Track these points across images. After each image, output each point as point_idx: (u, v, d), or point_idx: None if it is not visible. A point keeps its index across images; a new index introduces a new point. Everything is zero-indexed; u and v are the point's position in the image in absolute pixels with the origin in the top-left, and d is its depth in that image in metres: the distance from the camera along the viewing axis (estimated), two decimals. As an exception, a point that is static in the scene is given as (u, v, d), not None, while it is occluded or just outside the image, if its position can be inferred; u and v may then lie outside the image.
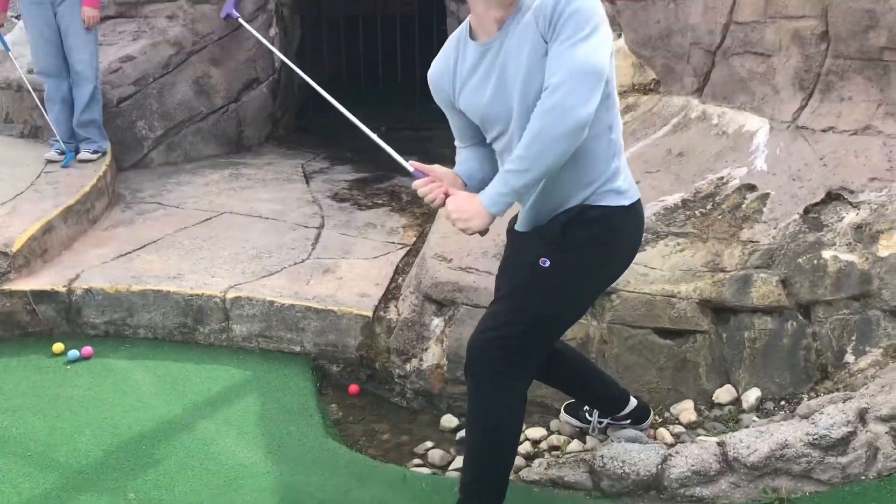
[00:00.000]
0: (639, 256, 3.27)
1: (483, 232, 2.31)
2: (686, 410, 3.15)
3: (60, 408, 3.30)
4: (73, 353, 3.69)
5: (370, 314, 3.64)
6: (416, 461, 3.15)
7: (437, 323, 3.50)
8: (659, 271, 3.25)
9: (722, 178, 3.58)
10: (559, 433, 3.21)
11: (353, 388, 3.63)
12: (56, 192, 4.56)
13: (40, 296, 3.86)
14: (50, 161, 5.10)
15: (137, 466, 2.94)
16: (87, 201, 4.58)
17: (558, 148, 2.10)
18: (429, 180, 2.33)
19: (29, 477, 2.87)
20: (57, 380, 3.52)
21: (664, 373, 3.21)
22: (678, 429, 3.09)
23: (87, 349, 3.73)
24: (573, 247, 2.32)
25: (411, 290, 3.66)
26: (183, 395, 3.42)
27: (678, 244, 3.36)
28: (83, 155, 5.10)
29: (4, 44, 5.28)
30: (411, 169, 2.41)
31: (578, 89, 2.06)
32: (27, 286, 3.88)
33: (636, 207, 2.41)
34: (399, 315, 3.63)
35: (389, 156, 2.60)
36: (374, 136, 2.68)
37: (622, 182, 2.35)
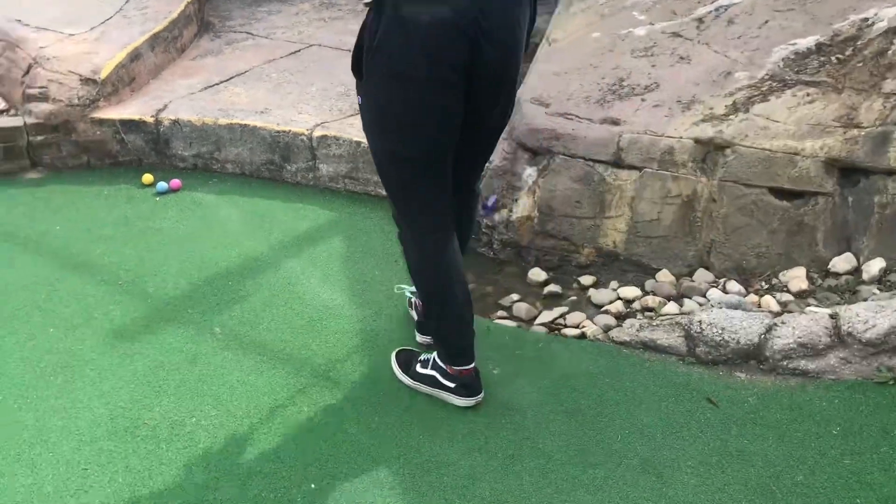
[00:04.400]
0: (760, 107, 2.96)
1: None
2: (797, 278, 2.90)
3: (149, 239, 3.31)
4: (162, 185, 3.67)
5: (460, 159, 3.45)
6: (501, 313, 3.05)
7: (529, 172, 3.29)
8: (782, 125, 2.91)
9: (866, 18, 3.12)
10: (654, 294, 3.03)
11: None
12: (144, 18, 4.42)
13: (129, 125, 3.82)
14: (139, -14, 4.93)
15: (223, 301, 2.94)
16: (174, 28, 4.44)
17: None
18: None
19: (120, 304, 2.91)
20: (147, 211, 3.52)
21: (776, 236, 2.95)
22: (786, 297, 2.86)
23: (176, 182, 3.71)
24: (367, 76, 2.09)
25: (504, 136, 3.43)
26: (269, 233, 3.38)
27: (807, 95, 2.98)
28: None
29: None
30: None
31: None
32: (116, 115, 3.83)
33: (403, 15, 1.96)
34: (490, 163, 3.42)
35: None
36: None
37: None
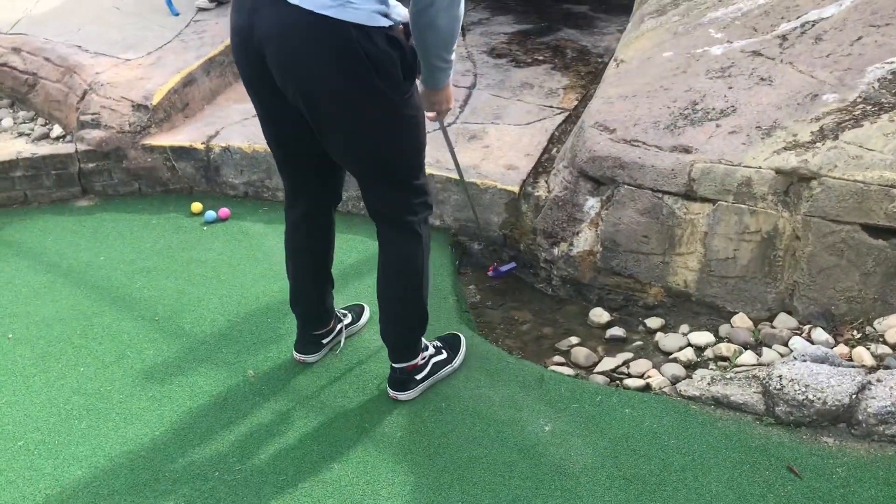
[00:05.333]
0: (851, 134, 2.63)
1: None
2: (895, 328, 2.56)
3: (192, 272, 3.18)
4: (210, 214, 3.56)
5: (517, 190, 3.22)
6: (557, 358, 2.79)
7: (591, 203, 3.03)
8: (878, 154, 2.58)
9: (977, 34, 2.77)
10: (729, 340, 2.73)
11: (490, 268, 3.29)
12: (201, 43, 4.36)
13: (179, 152, 3.73)
14: (201, 9, 4.90)
15: (259, 341, 2.78)
16: (230, 53, 4.35)
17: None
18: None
19: (154, 343, 2.78)
20: (192, 241, 3.41)
21: (870, 279, 2.61)
22: (882, 349, 2.51)
23: (224, 210, 3.59)
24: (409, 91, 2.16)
25: (565, 163, 3.19)
26: (314, 266, 3.21)
27: (907, 120, 2.65)
28: (200, 1, 4.86)
29: None
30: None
31: None
32: (167, 141, 3.75)
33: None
34: (549, 192, 3.18)
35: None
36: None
37: None
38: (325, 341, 2.68)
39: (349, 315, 2.79)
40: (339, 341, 2.72)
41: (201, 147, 3.72)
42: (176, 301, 3.00)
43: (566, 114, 3.77)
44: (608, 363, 2.73)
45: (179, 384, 2.58)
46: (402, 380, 2.49)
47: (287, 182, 2.40)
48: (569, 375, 2.64)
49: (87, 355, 2.72)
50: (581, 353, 2.78)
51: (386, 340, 2.48)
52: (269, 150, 3.62)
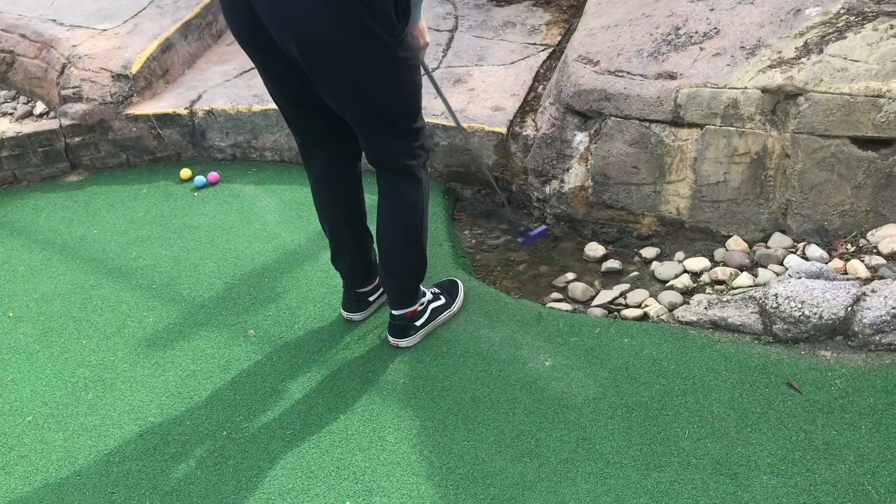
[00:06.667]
0: (836, 46, 2.60)
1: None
2: (888, 238, 2.56)
3: (186, 238, 3.19)
4: (200, 179, 3.55)
5: (504, 131, 3.20)
6: (555, 295, 2.80)
7: (580, 138, 3.01)
8: (863, 64, 2.55)
9: (960, -67, 2.70)
10: (724, 264, 2.74)
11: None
12: (176, 7, 4.29)
13: (163, 119, 3.70)
14: (173, -27, 4.80)
15: (258, 300, 2.79)
16: (207, 14, 4.29)
17: None
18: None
19: (153, 310, 2.80)
20: (184, 208, 3.41)
21: (861, 192, 2.60)
22: (876, 260, 2.52)
23: (214, 174, 3.58)
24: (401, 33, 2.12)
25: (551, 100, 3.15)
26: (307, 223, 3.21)
27: (891, 27, 2.60)
28: None
29: None
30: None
31: None
32: (150, 109, 3.72)
33: None
34: (537, 131, 3.16)
35: None
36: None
37: None
38: (371, 299, 2.65)
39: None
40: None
41: (185, 112, 3.69)
42: (172, 268, 3.01)
43: (550, 50, 3.72)
44: (605, 296, 2.74)
45: (182, 349, 2.60)
46: (401, 326, 2.50)
47: (298, 140, 2.34)
48: (566, 311, 2.65)
49: (89, 328, 2.74)
50: (578, 288, 2.79)
51: (385, 287, 2.49)
52: (252, 109, 3.61)
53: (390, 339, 2.52)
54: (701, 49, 2.88)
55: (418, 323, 2.52)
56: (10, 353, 2.65)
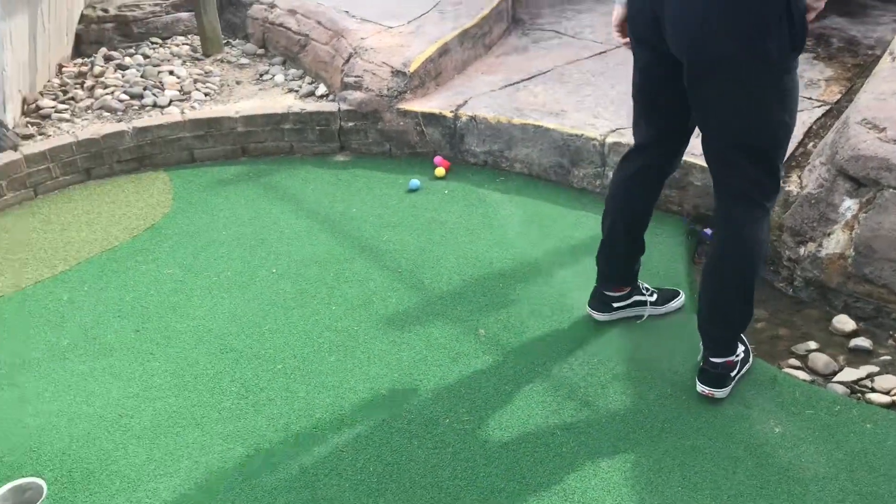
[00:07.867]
0: None
1: None
2: None
3: (433, 231, 3.38)
4: (415, 182, 3.72)
5: (766, 182, 3.09)
6: (793, 361, 2.68)
7: (848, 205, 2.85)
8: None
9: None
10: None
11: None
12: (457, 14, 4.54)
13: (429, 118, 3.94)
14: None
15: (491, 303, 2.91)
16: (484, 24, 4.51)
17: None
18: None
19: (396, 292, 3.00)
20: (434, 203, 3.61)
21: None
22: None
23: (443, 160, 3.86)
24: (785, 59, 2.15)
25: (823, 160, 3.01)
26: (546, 238, 3.29)
27: None
28: None
29: None
30: None
31: None
32: (419, 107, 3.97)
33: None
34: (802, 188, 3.03)
35: None
36: None
37: None
38: (614, 305, 2.72)
39: (656, 294, 2.77)
40: (642, 316, 2.75)
41: (449, 115, 3.91)
42: (417, 256, 3.21)
43: (827, 107, 3.55)
44: (850, 374, 2.58)
45: (417, 333, 2.77)
46: (719, 376, 2.39)
47: (637, 135, 2.47)
48: (804, 380, 2.54)
49: (339, 296, 2.99)
50: (820, 360, 2.65)
51: (705, 332, 2.41)
52: (511, 122, 3.75)
53: (704, 388, 2.41)
54: None
55: (733, 374, 2.43)
56: (270, 306, 2.96)
